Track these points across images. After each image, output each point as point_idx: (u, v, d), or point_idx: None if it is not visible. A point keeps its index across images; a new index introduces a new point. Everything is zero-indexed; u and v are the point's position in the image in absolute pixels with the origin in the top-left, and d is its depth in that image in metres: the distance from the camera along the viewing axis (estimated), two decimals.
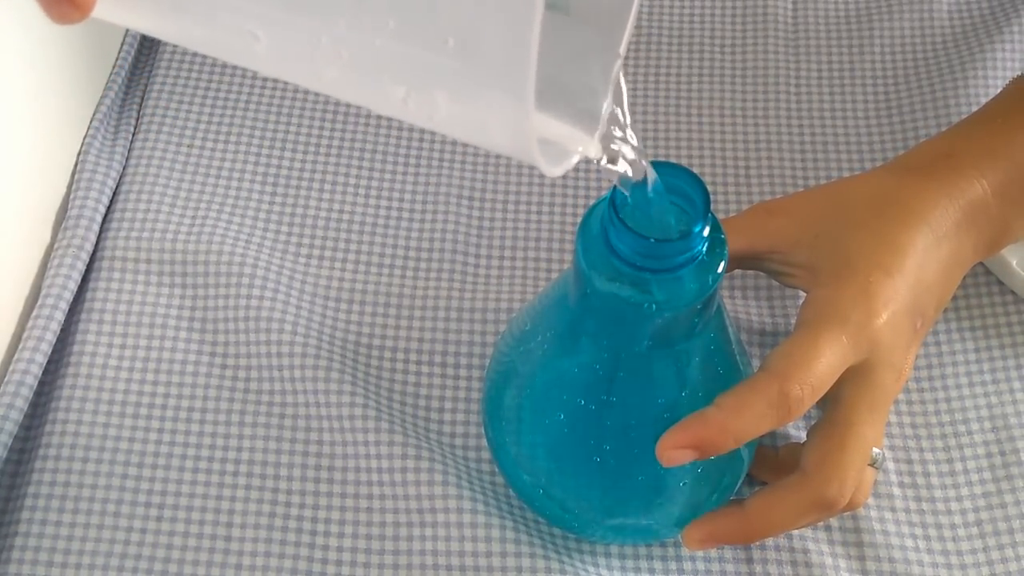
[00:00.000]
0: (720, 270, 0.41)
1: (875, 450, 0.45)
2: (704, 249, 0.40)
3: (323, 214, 0.58)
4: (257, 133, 0.61)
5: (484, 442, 0.52)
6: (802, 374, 0.42)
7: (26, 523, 0.48)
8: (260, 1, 0.31)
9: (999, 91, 0.53)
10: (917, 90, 0.63)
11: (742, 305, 0.56)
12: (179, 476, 0.50)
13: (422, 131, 0.61)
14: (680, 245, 0.39)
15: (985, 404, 0.53)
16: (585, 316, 0.44)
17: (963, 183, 0.48)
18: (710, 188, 0.48)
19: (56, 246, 0.55)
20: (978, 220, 0.48)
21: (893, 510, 0.51)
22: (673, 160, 0.60)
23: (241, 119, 0.61)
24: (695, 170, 0.45)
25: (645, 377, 0.44)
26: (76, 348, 0.53)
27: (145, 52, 0.64)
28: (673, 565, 0.49)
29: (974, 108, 0.58)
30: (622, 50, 0.36)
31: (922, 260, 0.46)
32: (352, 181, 0.59)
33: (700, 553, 0.49)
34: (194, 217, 0.57)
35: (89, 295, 0.55)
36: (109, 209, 0.57)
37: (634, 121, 0.61)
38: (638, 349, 0.43)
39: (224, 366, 0.53)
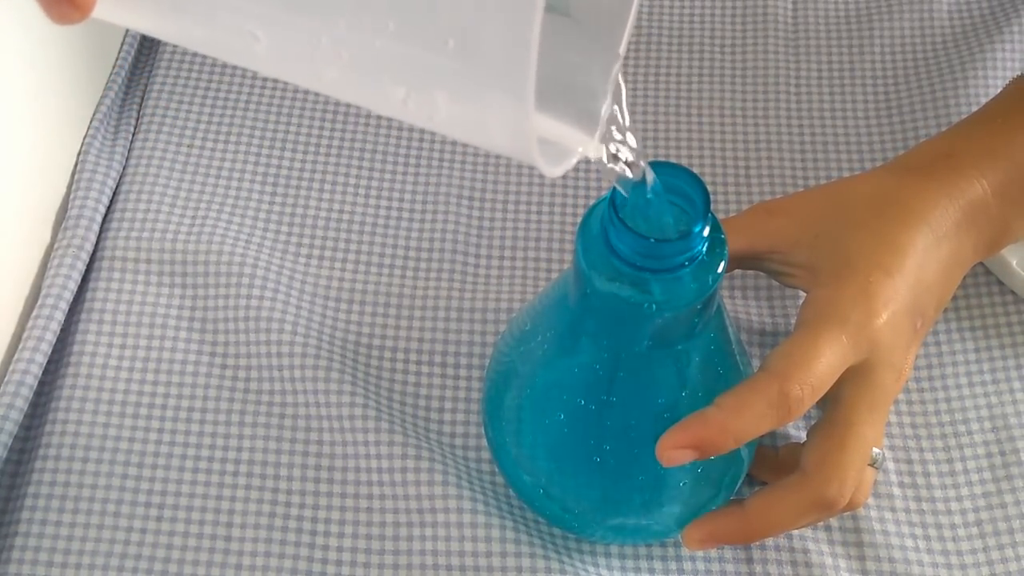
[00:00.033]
0: (720, 270, 0.41)
1: (875, 450, 0.45)
2: (704, 249, 0.40)
3: (323, 214, 0.58)
4: (257, 133, 0.61)
5: (484, 442, 0.52)
6: (802, 374, 0.42)
7: (26, 523, 0.48)
8: (260, 1, 0.31)
9: (999, 91, 0.53)
10: (917, 90, 0.63)
11: (742, 305, 0.56)
12: (179, 476, 0.50)
13: (422, 131, 0.61)
14: (680, 245, 0.39)
15: (985, 404, 0.53)
16: (585, 316, 0.44)
17: (963, 183, 0.48)
18: (710, 188, 0.48)
19: (56, 246, 0.55)
20: (978, 220, 0.48)
21: (893, 510, 0.51)
22: (673, 160, 0.60)
23: (241, 119, 0.61)
24: (695, 170, 0.45)
25: (645, 377, 0.44)
26: (76, 348, 0.53)
27: (145, 52, 0.64)
28: (673, 565, 0.49)
29: (974, 108, 0.58)
30: (622, 50, 0.36)
31: (922, 260, 0.46)
32: (352, 181, 0.59)
33: (700, 553, 0.49)
34: (194, 217, 0.57)
35: (89, 295, 0.55)
36: (109, 209, 0.57)
37: (634, 121, 0.61)
38: (638, 349, 0.43)
39: (224, 366, 0.53)
